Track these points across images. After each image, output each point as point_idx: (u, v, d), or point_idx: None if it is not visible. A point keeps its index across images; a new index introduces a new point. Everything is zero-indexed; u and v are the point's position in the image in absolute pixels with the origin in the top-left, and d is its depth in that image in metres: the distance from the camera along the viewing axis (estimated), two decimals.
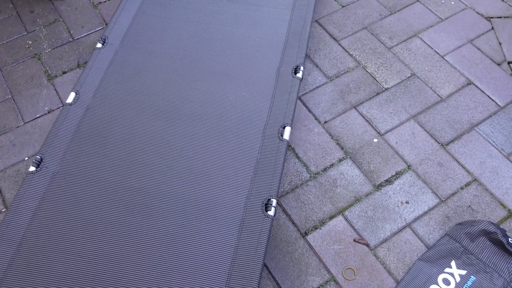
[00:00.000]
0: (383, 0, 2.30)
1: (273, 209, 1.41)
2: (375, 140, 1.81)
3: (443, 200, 1.65)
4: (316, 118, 1.87)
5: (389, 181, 1.70)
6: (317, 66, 2.04)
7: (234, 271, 1.32)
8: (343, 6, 2.28)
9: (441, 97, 1.93)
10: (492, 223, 1.52)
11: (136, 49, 1.86)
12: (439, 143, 1.80)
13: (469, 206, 1.64)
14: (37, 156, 1.54)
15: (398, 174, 1.72)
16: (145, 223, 1.41)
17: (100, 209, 1.44)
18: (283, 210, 1.64)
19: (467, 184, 1.69)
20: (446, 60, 2.05)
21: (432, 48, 2.10)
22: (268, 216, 1.40)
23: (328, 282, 1.49)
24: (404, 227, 1.60)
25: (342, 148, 1.79)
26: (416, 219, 1.61)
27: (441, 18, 2.22)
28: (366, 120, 1.86)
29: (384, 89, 1.96)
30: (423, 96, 1.93)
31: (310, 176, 1.71)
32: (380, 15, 2.24)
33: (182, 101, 1.70)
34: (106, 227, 1.40)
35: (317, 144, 1.80)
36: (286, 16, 1.98)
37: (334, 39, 2.14)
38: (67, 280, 1.30)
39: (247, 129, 1.62)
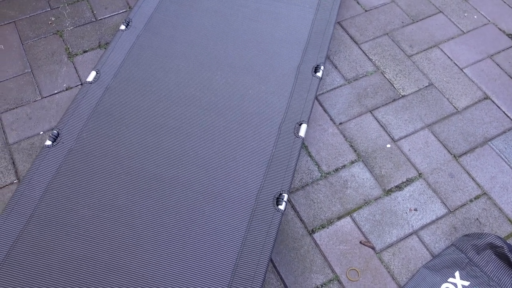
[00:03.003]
0: (406, 8, 2.30)
1: (284, 203, 1.42)
2: (388, 145, 1.81)
3: (451, 210, 1.66)
4: (331, 119, 1.88)
5: (399, 187, 1.71)
6: (336, 67, 2.04)
7: (241, 262, 1.32)
8: (366, 11, 2.28)
9: (457, 109, 1.93)
10: (499, 237, 1.53)
11: (159, 35, 1.87)
12: (451, 154, 1.80)
13: (477, 219, 1.65)
14: (54, 131, 1.55)
15: (409, 181, 1.72)
16: (155, 207, 1.42)
17: (112, 189, 1.45)
18: (292, 207, 1.64)
19: (477, 197, 1.70)
20: (464, 73, 2.06)
21: (451, 59, 2.10)
22: (279, 210, 1.41)
23: (331, 281, 1.50)
24: (410, 234, 1.60)
25: (355, 151, 1.79)
26: (423, 227, 1.62)
27: (463, 31, 2.22)
28: (381, 125, 1.86)
29: (401, 96, 1.96)
30: (439, 107, 1.93)
31: (321, 176, 1.72)
32: (402, 22, 2.24)
33: (200, 90, 1.71)
34: (117, 206, 1.41)
35: (330, 144, 1.80)
36: (310, 15, 1.98)
37: (355, 42, 2.14)
38: (74, 256, 1.31)
39: (263, 123, 1.63)
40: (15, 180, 1.67)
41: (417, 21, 2.25)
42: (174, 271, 1.30)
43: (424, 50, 2.13)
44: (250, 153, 1.55)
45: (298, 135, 1.59)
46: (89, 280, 1.27)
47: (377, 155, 1.78)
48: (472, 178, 1.74)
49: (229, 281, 1.29)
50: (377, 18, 2.25)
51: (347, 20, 2.23)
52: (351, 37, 2.17)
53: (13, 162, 1.71)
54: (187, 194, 1.45)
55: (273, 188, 1.47)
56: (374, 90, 1.98)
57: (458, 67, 2.08)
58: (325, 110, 1.90)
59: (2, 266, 1.29)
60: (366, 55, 2.10)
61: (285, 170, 1.51)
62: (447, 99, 1.96)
